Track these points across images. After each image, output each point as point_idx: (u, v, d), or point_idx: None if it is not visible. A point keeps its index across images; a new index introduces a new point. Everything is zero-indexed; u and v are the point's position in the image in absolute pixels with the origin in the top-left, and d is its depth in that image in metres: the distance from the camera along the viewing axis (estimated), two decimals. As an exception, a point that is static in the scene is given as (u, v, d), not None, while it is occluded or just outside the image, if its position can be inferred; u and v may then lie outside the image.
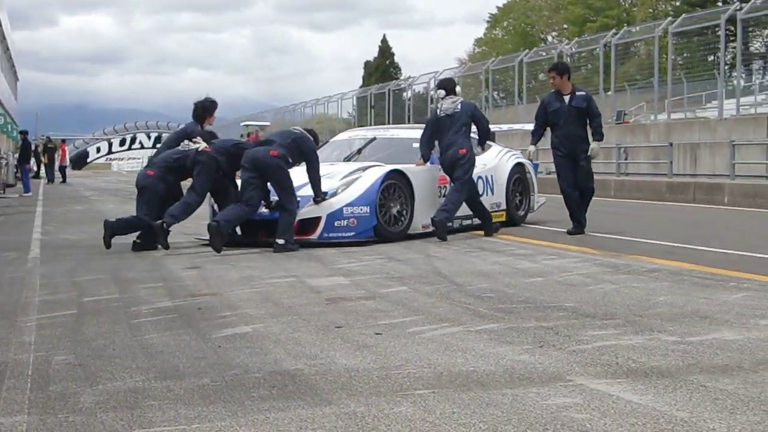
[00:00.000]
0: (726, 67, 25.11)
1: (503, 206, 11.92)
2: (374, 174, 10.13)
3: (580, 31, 54.98)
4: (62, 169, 41.20)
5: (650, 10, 55.32)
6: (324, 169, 10.06)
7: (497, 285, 6.67)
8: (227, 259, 8.63)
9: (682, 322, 5.09)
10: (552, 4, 64.63)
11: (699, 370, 3.99)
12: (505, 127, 13.92)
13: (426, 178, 10.72)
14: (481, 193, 11.12)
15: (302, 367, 4.18)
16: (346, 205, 9.80)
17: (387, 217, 10.10)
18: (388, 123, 39.63)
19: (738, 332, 4.79)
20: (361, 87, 58.82)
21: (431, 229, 10.37)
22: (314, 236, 9.78)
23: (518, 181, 12.29)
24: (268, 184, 9.63)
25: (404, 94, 43.27)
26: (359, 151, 11.72)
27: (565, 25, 63.39)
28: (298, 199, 9.67)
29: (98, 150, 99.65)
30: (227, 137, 12.42)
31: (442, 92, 10.89)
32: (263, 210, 9.74)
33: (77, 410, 3.57)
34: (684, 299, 5.88)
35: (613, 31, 30.57)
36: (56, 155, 40.47)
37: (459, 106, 10.67)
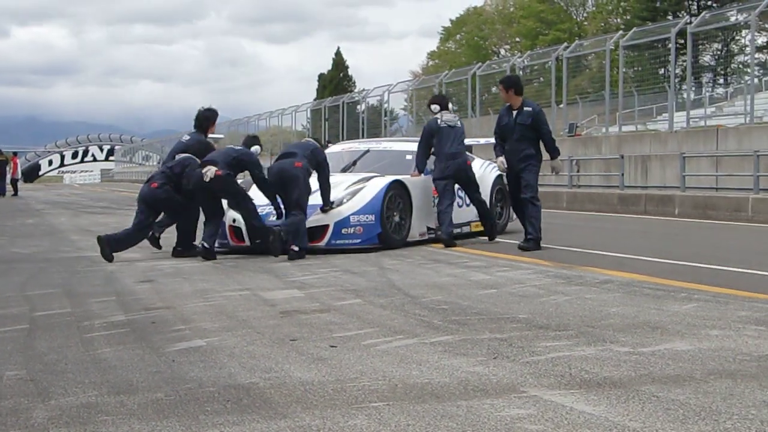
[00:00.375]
0: (676, 80, 25.45)
1: None
2: (378, 184, 10.66)
3: (533, 44, 55.42)
4: (14, 182, 40.65)
5: (601, 24, 56.01)
6: None
7: (451, 297, 6.70)
8: (181, 273, 8.58)
9: (634, 333, 5.14)
10: (504, 17, 65.15)
11: (651, 381, 4.04)
12: (482, 140, 14.30)
13: (422, 188, 11.29)
14: (468, 203, 11.66)
15: (257, 381, 4.17)
16: (353, 214, 10.33)
17: (390, 225, 10.60)
18: (342, 136, 39.64)
19: (689, 343, 4.85)
20: (315, 99, 58.77)
21: (427, 236, 11.23)
22: (322, 243, 10.23)
23: (499, 192, 12.71)
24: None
25: (358, 106, 43.31)
26: (354, 162, 12.17)
27: (518, 39, 63.90)
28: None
29: (50, 163, 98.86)
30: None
31: (437, 107, 11.32)
32: (272, 218, 10.19)
33: (29, 426, 3.53)
34: (636, 310, 5.94)
35: (565, 44, 30.81)
36: (8, 168, 39.88)
37: (458, 122, 11.32)
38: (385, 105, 40.27)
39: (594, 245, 10.70)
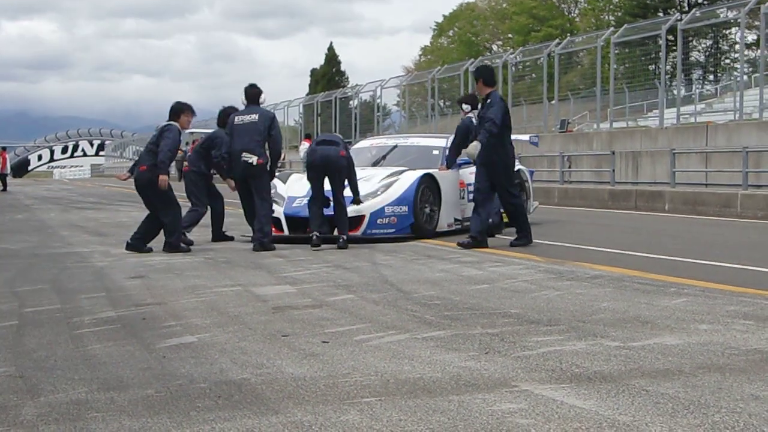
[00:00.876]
0: (666, 77, 25.48)
1: None
2: (411, 177, 11.26)
3: (525, 40, 55.44)
4: (3, 177, 40.51)
5: (593, 21, 56.05)
6: (358, 173, 10.78)
7: (443, 292, 6.71)
8: (172, 269, 8.56)
9: (624, 328, 5.16)
10: (497, 13, 65.14)
11: (641, 375, 4.05)
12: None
13: (451, 181, 11.93)
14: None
15: (248, 377, 4.17)
16: (387, 205, 10.96)
17: (422, 215, 11.26)
18: (335, 131, 39.58)
19: (678, 337, 4.87)
20: (307, 95, 58.67)
21: (455, 227, 11.82)
22: (359, 232, 10.81)
23: (517, 185, 12.69)
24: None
25: (351, 102, 43.29)
26: (384, 156, 12.77)
27: (510, 35, 63.88)
28: None
29: (40, 158, 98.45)
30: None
31: (468, 107, 11.69)
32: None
33: (18, 423, 3.52)
34: (626, 305, 5.96)
35: (557, 40, 30.84)
36: (-4, 163, 39.76)
37: None
38: (378, 100, 40.27)
39: (585, 241, 10.72)
